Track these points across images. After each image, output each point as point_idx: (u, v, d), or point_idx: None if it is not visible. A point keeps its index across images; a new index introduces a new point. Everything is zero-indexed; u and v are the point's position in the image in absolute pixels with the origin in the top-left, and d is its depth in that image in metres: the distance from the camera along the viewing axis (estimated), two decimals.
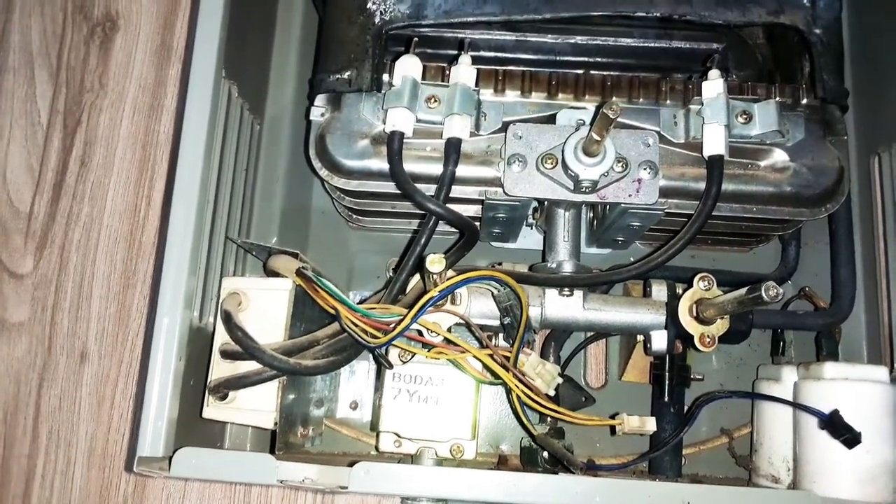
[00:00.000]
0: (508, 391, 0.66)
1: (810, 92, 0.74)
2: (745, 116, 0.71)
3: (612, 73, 0.86)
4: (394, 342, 0.64)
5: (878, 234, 0.82)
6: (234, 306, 0.67)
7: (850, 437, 0.63)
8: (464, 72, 0.71)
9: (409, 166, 0.70)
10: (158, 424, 0.61)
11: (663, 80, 0.75)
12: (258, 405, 0.66)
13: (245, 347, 0.63)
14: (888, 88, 0.83)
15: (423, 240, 0.69)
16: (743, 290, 0.62)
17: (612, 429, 0.69)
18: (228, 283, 0.71)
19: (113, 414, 0.90)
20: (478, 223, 0.81)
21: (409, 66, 0.71)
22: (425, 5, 0.75)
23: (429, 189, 0.70)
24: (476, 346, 0.68)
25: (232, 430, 0.81)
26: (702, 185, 0.69)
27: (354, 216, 0.85)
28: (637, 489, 0.60)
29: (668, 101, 0.74)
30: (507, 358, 0.66)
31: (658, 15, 0.73)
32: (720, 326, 0.69)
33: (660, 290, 0.75)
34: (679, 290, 0.74)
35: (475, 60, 0.73)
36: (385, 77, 0.74)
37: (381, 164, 0.71)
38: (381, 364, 0.69)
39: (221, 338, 0.67)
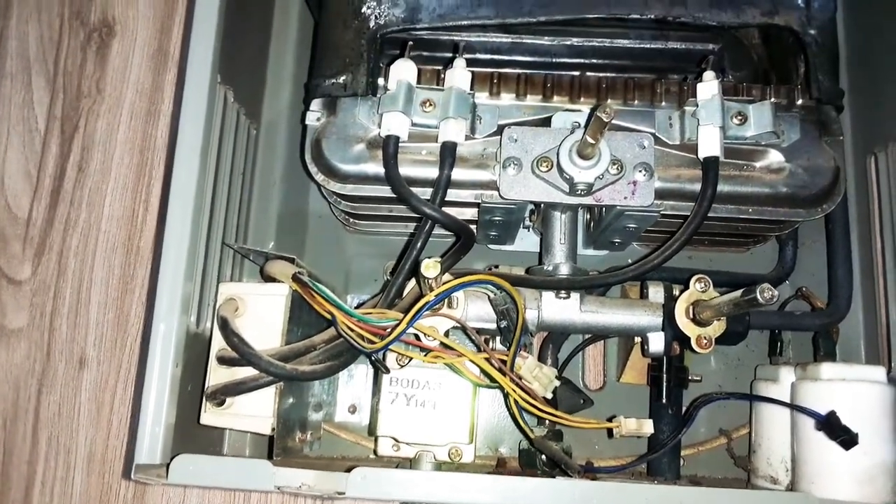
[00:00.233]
0: (506, 395, 0.66)
1: (805, 92, 0.74)
2: (740, 118, 0.71)
3: (607, 74, 0.86)
4: (390, 347, 0.64)
5: (875, 234, 0.82)
6: (231, 312, 0.67)
7: (847, 439, 0.63)
8: (459, 75, 0.71)
9: (405, 170, 0.70)
10: (156, 431, 0.61)
11: (658, 82, 0.75)
12: (256, 411, 0.66)
13: (242, 353, 0.63)
14: (884, 87, 0.83)
15: (419, 244, 0.69)
16: (739, 293, 0.62)
17: (610, 431, 0.69)
18: (225, 288, 0.71)
19: (112, 419, 0.90)
20: (474, 226, 0.81)
21: (404, 70, 0.71)
22: (420, 9, 0.75)
23: (425, 193, 0.71)
24: (473, 349, 0.68)
25: (231, 435, 0.81)
26: (697, 187, 0.69)
27: (351, 220, 0.85)
28: (635, 492, 0.60)
29: (664, 103, 0.74)
30: (504, 362, 0.66)
31: (653, 17, 0.72)
32: (717, 328, 0.69)
33: (656, 292, 0.75)
34: (676, 292, 0.74)
35: (470, 62, 0.73)
36: (380, 81, 0.74)
37: (377, 169, 0.71)
38: (379, 369, 0.70)
39: (218, 344, 0.67)
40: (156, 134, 0.98)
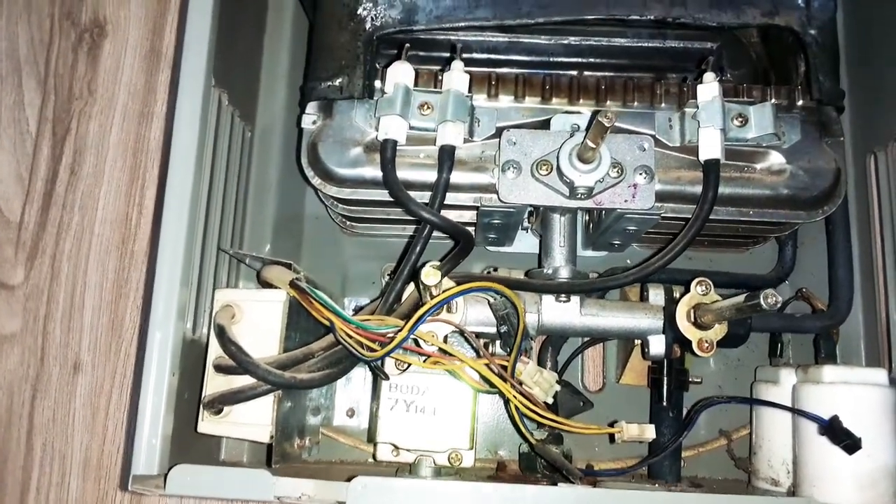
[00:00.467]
0: (507, 401, 0.66)
1: (806, 93, 0.73)
2: (740, 119, 0.70)
3: (605, 73, 0.85)
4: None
5: (875, 233, 0.81)
6: (228, 319, 0.66)
7: (850, 443, 0.63)
8: (456, 77, 0.70)
9: (403, 174, 0.70)
10: (153, 442, 0.61)
11: (658, 83, 0.74)
12: (254, 419, 0.66)
13: (239, 362, 0.62)
14: (884, 86, 0.82)
15: (417, 248, 0.68)
16: (741, 298, 0.62)
17: (612, 436, 0.68)
18: (221, 295, 0.70)
19: (108, 425, 0.89)
20: (473, 228, 0.80)
21: (401, 73, 0.70)
22: (416, 10, 0.74)
23: (423, 196, 0.70)
24: (472, 354, 0.67)
25: (228, 441, 0.80)
26: (698, 189, 0.69)
27: (348, 223, 0.84)
28: (636, 499, 0.59)
29: (663, 105, 0.73)
30: (504, 367, 0.65)
31: (652, 18, 0.72)
32: (719, 331, 0.69)
33: (657, 295, 0.75)
34: (676, 294, 0.74)
35: (466, 62, 0.72)
36: (377, 83, 0.73)
37: (375, 172, 0.70)
38: (378, 375, 0.69)
39: (215, 351, 0.67)
40: (149, 136, 0.97)
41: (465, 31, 0.82)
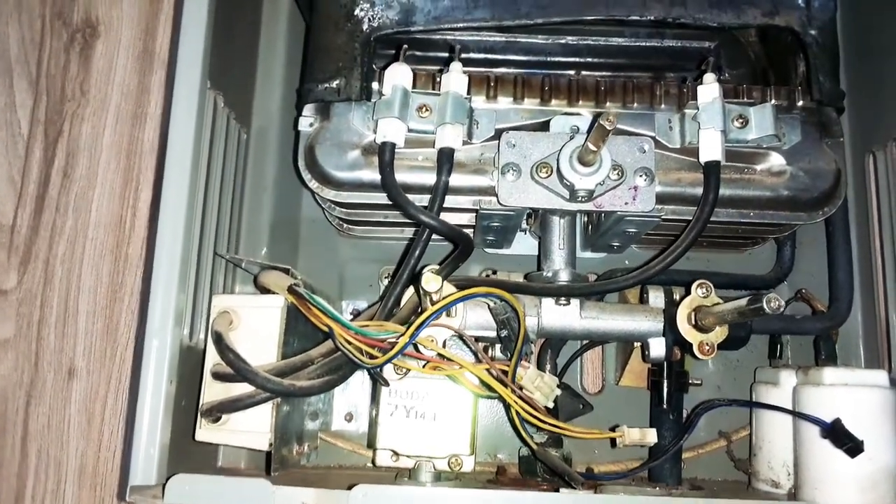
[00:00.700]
0: (507, 406, 0.65)
1: (806, 94, 0.73)
2: (741, 121, 0.70)
3: (604, 73, 0.85)
4: None
5: (874, 233, 0.81)
6: (226, 326, 0.66)
7: (853, 447, 0.62)
8: (455, 79, 0.70)
9: (402, 176, 0.69)
10: (150, 452, 0.60)
11: (657, 84, 0.74)
12: (252, 427, 0.65)
13: (237, 370, 0.61)
14: (883, 86, 0.82)
15: (416, 252, 0.67)
16: (744, 301, 0.61)
17: (613, 441, 0.68)
18: (219, 301, 0.69)
19: (103, 431, 0.88)
20: (472, 230, 0.80)
21: (399, 75, 0.69)
22: (414, 11, 0.73)
23: (422, 199, 0.69)
24: (472, 359, 0.67)
25: (225, 448, 0.80)
26: (698, 191, 0.69)
27: (346, 225, 0.84)
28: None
29: (663, 106, 0.73)
30: (505, 372, 0.65)
31: (652, 18, 0.71)
32: (719, 334, 0.68)
33: (657, 297, 0.74)
34: (676, 296, 0.73)
35: (466, 62, 0.72)
36: (375, 85, 0.72)
37: (373, 176, 0.70)
38: (378, 382, 0.68)
39: (213, 358, 0.66)
40: (143, 137, 0.96)
41: (463, 32, 0.82)
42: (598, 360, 0.89)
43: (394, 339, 0.62)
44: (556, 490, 0.65)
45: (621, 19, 0.72)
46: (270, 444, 0.65)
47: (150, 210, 0.93)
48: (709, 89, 0.69)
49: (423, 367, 0.66)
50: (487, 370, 0.65)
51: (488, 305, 0.68)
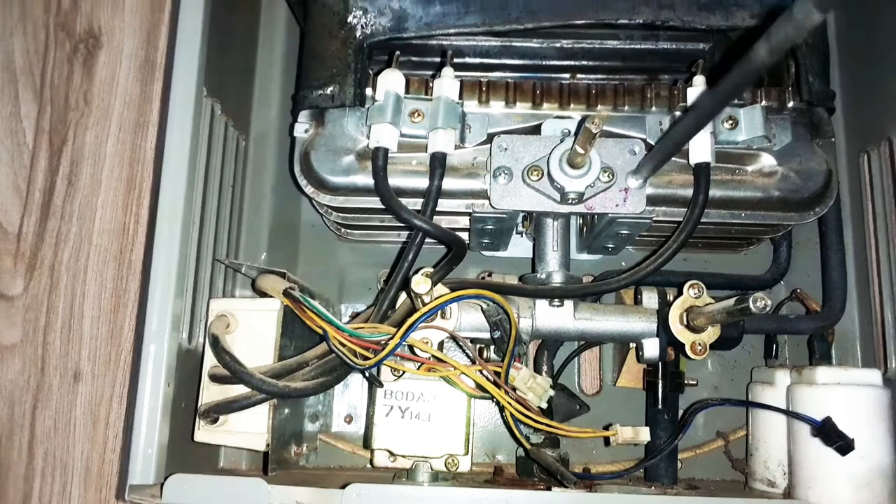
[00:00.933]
0: (502, 407, 0.66)
1: (796, 95, 0.73)
2: (730, 122, 0.70)
3: (598, 76, 0.86)
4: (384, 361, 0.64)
5: (870, 233, 0.81)
6: (222, 329, 0.67)
7: (843, 445, 0.63)
8: (447, 84, 0.71)
9: (395, 181, 0.70)
10: (149, 452, 0.61)
11: (648, 87, 0.74)
12: (250, 427, 0.66)
13: (233, 372, 0.63)
14: (877, 85, 0.82)
15: (410, 256, 0.68)
16: (732, 301, 0.62)
17: (607, 439, 0.69)
18: (216, 304, 0.71)
19: (108, 434, 0.89)
20: (467, 233, 0.80)
21: (391, 81, 0.70)
22: (406, 18, 0.74)
23: (416, 203, 0.70)
24: (467, 361, 0.67)
25: (226, 449, 0.81)
26: (689, 192, 0.69)
27: (344, 230, 0.85)
28: (629, 502, 0.59)
29: (654, 108, 0.74)
30: (498, 373, 0.65)
31: (641, 21, 0.72)
32: (711, 334, 0.69)
33: (650, 297, 0.75)
34: (670, 297, 0.74)
35: (459, 66, 0.73)
36: (368, 91, 0.73)
37: (367, 180, 0.71)
38: (372, 383, 0.69)
39: (211, 360, 0.67)
40: (145, 145, 0.97)
41: (458, 37, 0.83)
42: (596, 361, 0.89)
43: (387, 341, 0.63)
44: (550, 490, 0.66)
45: (611, 23, 0.73)
46: (267, 445, 0.66)
47: (149, 219, 0.94)
48: (698, 91, 0.70)
49: (418, 368, 0.67)
50: (480, 371, 0.65)
51: (481, 307, 0.69)
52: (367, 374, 0.68)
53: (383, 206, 0.70)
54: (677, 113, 0.72)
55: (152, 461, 0.61)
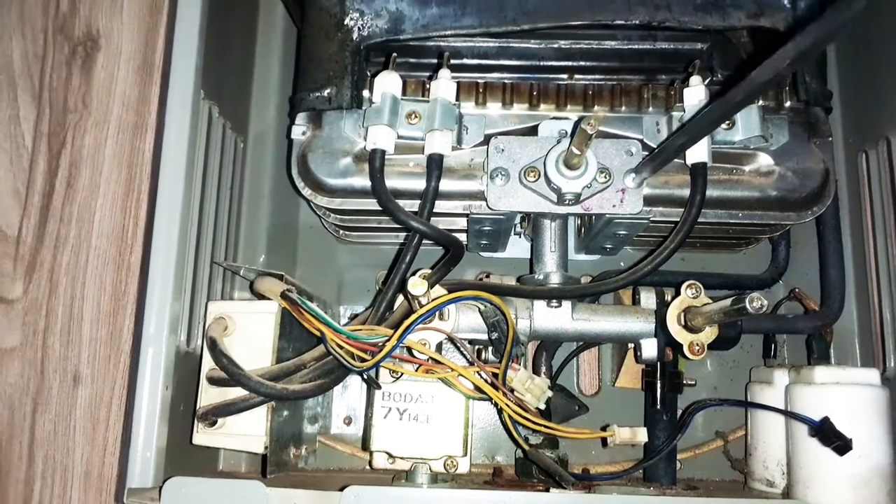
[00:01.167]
0: (500, 409, 0.66)
1: (793, 94, 0.73)
2: (727, 122, 0.70)
3: (598, 76, 0.85)
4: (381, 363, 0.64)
5: (868, 232, 0.81)
6: (220, 332, 0.67)
7: (841, 445, 0.63)
8: (444, 86, 0.71)
9: (393, 182, 0.70)
10: (147, 455, 0.61)
11: (645, 87, 0.74)
12: (248, 430, 0.66)
13: (231, 374, 0.63)
14: (874, 85, 0.82)
15: (407, 257, 0.68)
16: (729, 301, 0.62)
17: (605, 440, 0.69)
18: (214, 307, 0.71)
19: (108, 437, 0.89)
20: (465, 234, 0.81)
21: (388, 83, 0.70)
22: (403, 20, 0.74)
23: (413, 205, 0.70)
24: (465, 362, 0.67)
25: (226, 451, 0.81)
26: (686, 192, 0.69)
27: (342, 231, 0.85)
28: (627, 503, 0.59)
29: (651, 109, 0.74)
30: (496, 375, 0.65)
31: (637, 22, 0.72)
32: (709, 334, 0.69)
33: (648, 298, 0.75)
34: (668, 297, 0.74)
35: (457, 68, 0.73)
36: (365, 93, 0.73)
37: (365, 182, 0.71)
38: (370, 385, 0.69)
39: (209, 364, 0.67)
40: (144, 148, 0.98)
41: (456, 39, 0.83)
42: (595, 361, 0.89)
43: (384, 343, 0.63)
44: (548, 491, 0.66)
45: (607, 24, 0.73)
46: (265, 447, 0.66)
47: (147, 221, 0.94)
48: (695, 91, 0.70)
49: (416, 370, 0.67)
50: (478, 373, 0.65)
51: (478, 309, 0.69)
52: (364, 377, 0.68)
53: (380, 208, 0.70)
54: (674, 113, 0.72)
55: (151, 464, 0.61)
